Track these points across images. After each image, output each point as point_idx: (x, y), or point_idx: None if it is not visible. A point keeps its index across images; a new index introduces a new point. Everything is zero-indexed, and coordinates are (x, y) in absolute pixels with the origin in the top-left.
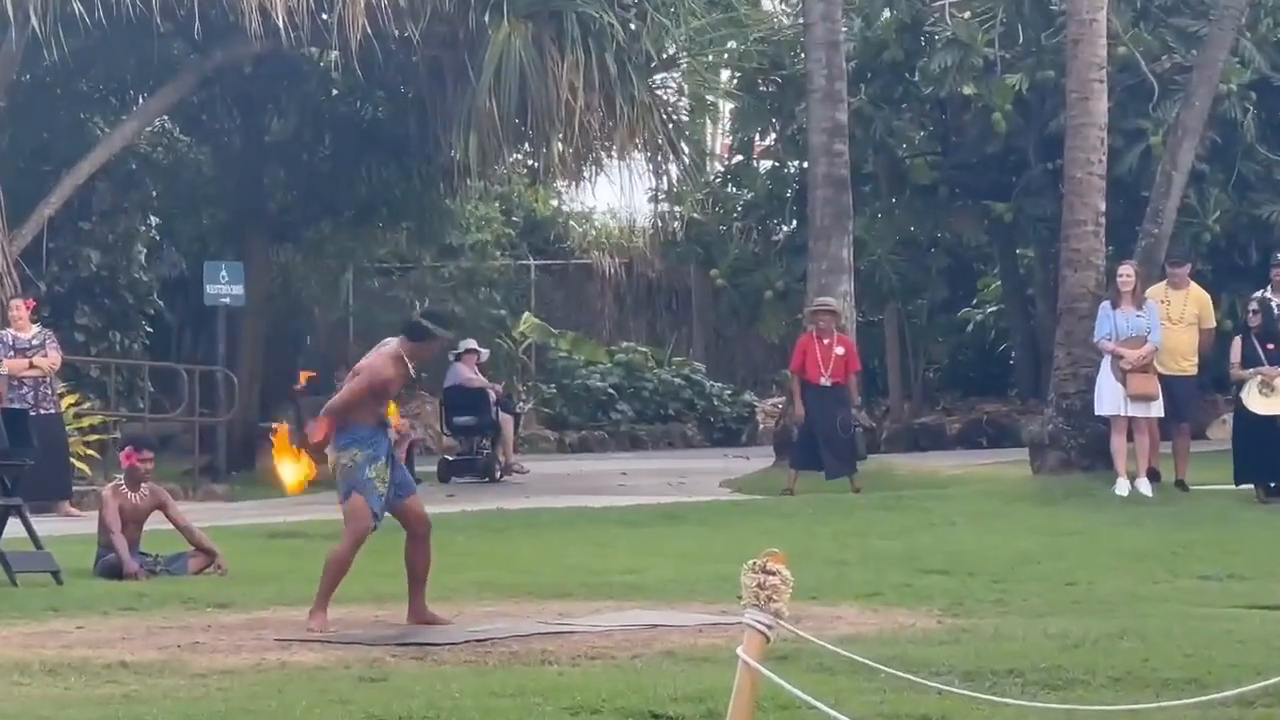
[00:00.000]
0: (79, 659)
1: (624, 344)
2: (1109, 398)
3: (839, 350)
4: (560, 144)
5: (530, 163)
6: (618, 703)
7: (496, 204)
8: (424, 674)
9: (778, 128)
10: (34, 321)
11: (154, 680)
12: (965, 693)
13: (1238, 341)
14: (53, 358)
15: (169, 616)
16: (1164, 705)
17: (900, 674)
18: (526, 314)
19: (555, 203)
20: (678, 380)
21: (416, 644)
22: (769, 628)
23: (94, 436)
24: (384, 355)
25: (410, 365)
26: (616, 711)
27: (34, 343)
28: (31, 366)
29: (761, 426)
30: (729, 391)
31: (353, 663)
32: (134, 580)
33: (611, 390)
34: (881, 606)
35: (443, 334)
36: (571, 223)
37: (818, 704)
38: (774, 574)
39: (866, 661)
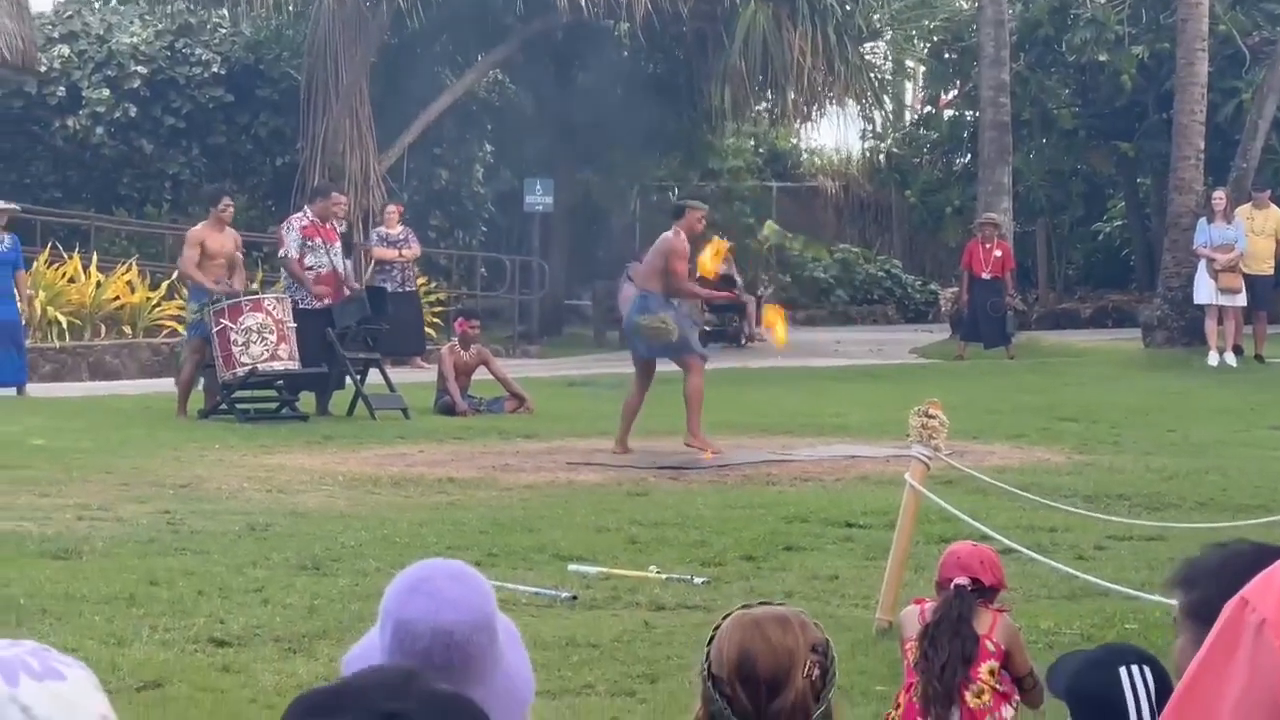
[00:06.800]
0: (417, 475)
1: (841, 246)
2: (1204, 290)
3: (998, 253)
4: (793, 94)
5: (773, 109)
6: (821, 514)
7: (751, 140)
8: (677, 491)
9: (958, 86)
10: (399, 221)
11: (472, 491)
12: (1084, 511)
13: None
14: (414, 248)
15: (487, 444)
16: (1238, 524)
17: (1036, 498)
18: (769, 222)
19: (795, 140)
20: (881, 273)
21: (673, 468)
22: (929, 458)
23: (440, 309)
24: (666, 237)
25: (684, 237)
26: (820, 521)
27: (400, 237)
28: (400, 255)
29: (943, 309)
30: (919, 282)
31: (624, 481)
32: (463, 417)
33: (831, 280)
34: (1025, 445)
35: (697, 205)
36: (804, 154)
37: (962, 516)
38: (934, 417)
39: (1008, 487)
